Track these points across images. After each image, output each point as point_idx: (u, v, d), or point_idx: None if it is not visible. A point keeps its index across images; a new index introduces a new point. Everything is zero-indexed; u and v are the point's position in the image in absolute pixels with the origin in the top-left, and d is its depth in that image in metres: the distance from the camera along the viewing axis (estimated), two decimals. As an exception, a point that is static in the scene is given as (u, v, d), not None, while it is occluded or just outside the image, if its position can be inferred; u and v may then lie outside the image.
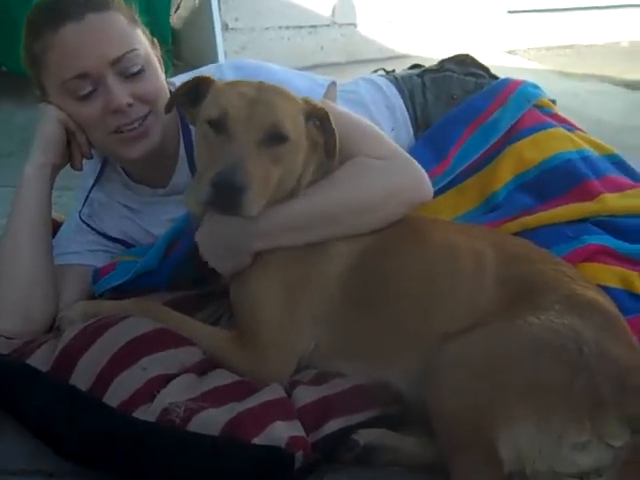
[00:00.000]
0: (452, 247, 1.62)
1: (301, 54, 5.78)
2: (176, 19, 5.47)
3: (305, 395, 1.51)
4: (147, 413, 1.41)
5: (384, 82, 2.18)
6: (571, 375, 1.33)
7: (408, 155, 1.73)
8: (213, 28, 5.02)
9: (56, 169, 1.86)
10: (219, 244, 1.64)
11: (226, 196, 1.44)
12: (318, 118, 1.61)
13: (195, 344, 1.60)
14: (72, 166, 1.90)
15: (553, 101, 2.17)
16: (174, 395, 1.45)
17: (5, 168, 3.15)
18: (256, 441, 1.36)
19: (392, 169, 1.68)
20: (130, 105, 1.75)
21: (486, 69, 2.27)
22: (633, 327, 1.55)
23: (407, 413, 1.52)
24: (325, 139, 1.62)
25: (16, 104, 4.03)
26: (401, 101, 2.13)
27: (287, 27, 5.89)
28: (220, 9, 5.26)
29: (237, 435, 1.36)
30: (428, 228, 1.69)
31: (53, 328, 1.77)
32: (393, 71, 2.33)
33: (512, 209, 1.92)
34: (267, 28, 5.81)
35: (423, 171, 1.70)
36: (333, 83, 1.93)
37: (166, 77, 1.92)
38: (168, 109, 1.69)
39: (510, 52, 6.53)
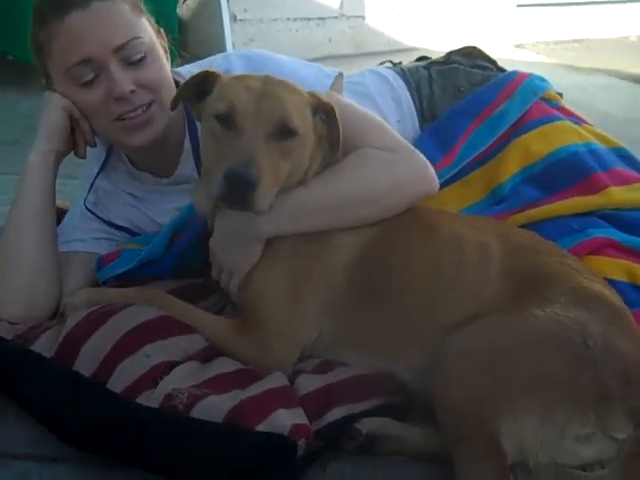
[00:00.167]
0: (457, 238, 1.62)
1: (309, 46, 5.78)
2: (184, 10, 5.46)
3: (308, 383, 1.51)
4: (150, 399, 1.42)
5: (391, 74, 2.17)
6: (577, 368, 1.33)
7: (413, 147, 1.72)
8: (221, 19, 5.02)
9: (60, 156, 1.86)
10: (232, 239, 1.63)
11: (238, 191, 1.42)
12: (324, 112, 1.60)
13: (198, 332, 1.60)
14: (76, 154, 1.90)
15: (560, 94, 2.16)
16: (177, 382, 1.45)
17: (9, 156, 3.15)
18: (259, 428, 1.36)
19: (396, 161, 1.67)
20: (132, 92, 1.75)
21: (493, 62, 2.27)
22: (638, 320, 1.54)
23: (411, 402, 1.51)
24: (329, 132, 1.61)
25: (20, 92, 4.03)
26: (407, 93, 2.13)
27: (295, 19, 5.89)
28: (228, 0, 5.25)
29: (240, 422, 1.37)
30: (434, 219, 1.69)
31: (57, 314, 1.78)
32: (400, 63, 2.32)
33: (518, 201, 1.92)
34: (275, 20, 5.81)
35: (428, 163, 1.70)
36: (340, 74, 1.92)
37: (172, 67, 1.91)
38: (174, 105, 1.67)
39: (518, 46, 6.53)
